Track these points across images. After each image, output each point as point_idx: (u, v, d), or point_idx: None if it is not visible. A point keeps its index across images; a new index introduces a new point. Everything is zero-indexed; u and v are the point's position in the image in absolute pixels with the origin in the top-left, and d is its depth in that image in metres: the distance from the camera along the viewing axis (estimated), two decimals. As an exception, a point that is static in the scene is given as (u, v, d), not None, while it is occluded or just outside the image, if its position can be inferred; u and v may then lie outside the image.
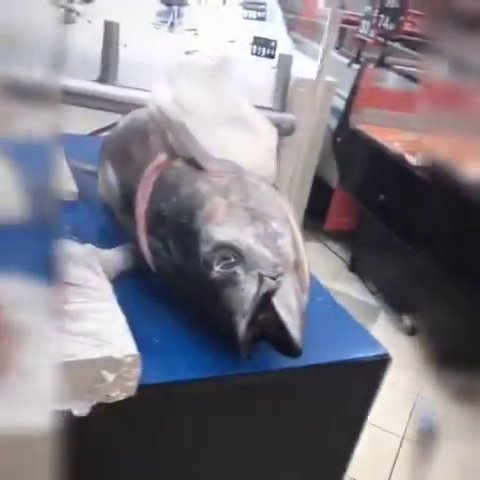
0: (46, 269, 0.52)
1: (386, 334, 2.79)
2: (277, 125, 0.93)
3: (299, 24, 4.26)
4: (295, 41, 3.64)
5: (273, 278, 0.69)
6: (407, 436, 2.26)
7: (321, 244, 3.56)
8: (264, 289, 0.68)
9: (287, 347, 0.67)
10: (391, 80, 3.22)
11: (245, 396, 0.75)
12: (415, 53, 3.41)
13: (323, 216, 3.45)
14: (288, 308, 0.67)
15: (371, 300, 3.16)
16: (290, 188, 2.78)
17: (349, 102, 3.17)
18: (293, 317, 0.67)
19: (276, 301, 0.68)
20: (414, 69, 3.20)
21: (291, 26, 3.92)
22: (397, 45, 3.40)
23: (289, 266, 0.71)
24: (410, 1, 2.95)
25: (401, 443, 2.24)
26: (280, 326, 0.66)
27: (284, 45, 3.17)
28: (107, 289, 0.73)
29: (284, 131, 2.71)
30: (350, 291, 3.16)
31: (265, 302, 0.68)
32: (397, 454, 2.18)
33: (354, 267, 3.37)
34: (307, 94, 2.76)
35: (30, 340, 0.46)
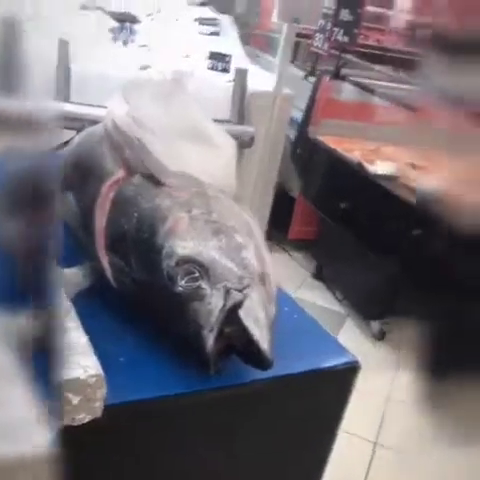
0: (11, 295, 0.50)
1: (354, 340, 2.81)
2: (236, 137, 0.93)
3: (254, 38, 4.32)
4: (251, 55, 3.68)
5: (239, 290, 0.68)
6: (379, 442, 2.28)
7: (285, 254, 3.58)
8: (231, 302, 0.67)
9: (257, 360, 0.67)
10: (347, 91, 3.28)
11: (215, 411, 0.74)
12: (369, 65, 3.49)
13: (286, 226, 3.48)
14: (256, 320, 0.66)
15: (338, 307, 3.19)
16: (252, 199, 2.79)
17: (307, 113, 3.22)
18: (261, 329, 0.66)
19: (243, 314, 0.67)
20: (369, 80, 3.28)
21: (246, 40, 3.96)
22: (351, 57, 3.47)
23: (255, 278, 0.71)
24: (363, 14, 3.02)
25: (374, 449, 2.25)
26: (248, 339, 0.66)
27: (239, 59, 3.20)
28: (68, 309, 0.71)
29: (243, 143, 2.73)
30: (316, 299, 3.18)
31: (232, 315, 0.67)
32: (371, 460, 2.20)
33: (320, 275, 3.40)
34: (265, 106, 2.79)
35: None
